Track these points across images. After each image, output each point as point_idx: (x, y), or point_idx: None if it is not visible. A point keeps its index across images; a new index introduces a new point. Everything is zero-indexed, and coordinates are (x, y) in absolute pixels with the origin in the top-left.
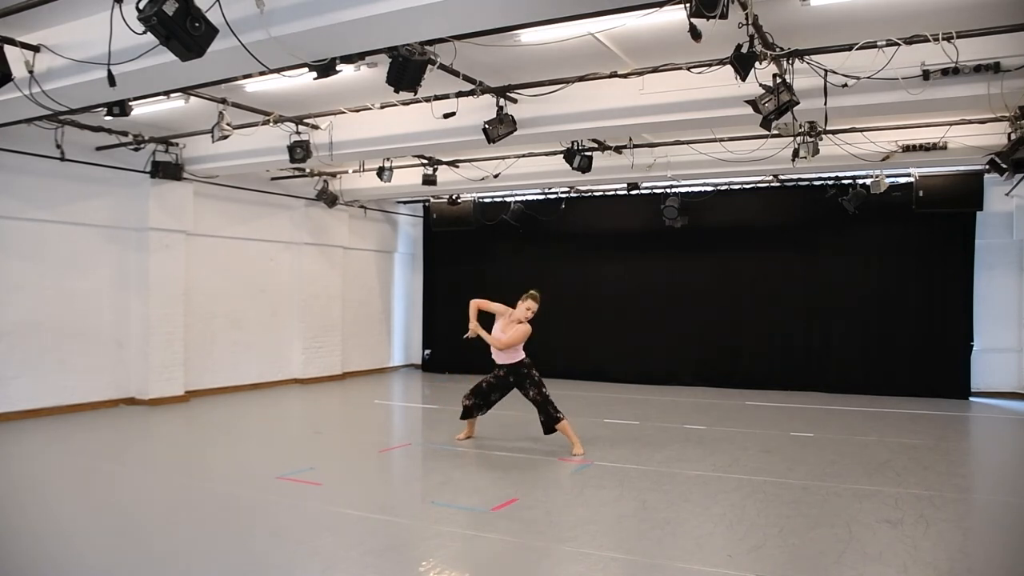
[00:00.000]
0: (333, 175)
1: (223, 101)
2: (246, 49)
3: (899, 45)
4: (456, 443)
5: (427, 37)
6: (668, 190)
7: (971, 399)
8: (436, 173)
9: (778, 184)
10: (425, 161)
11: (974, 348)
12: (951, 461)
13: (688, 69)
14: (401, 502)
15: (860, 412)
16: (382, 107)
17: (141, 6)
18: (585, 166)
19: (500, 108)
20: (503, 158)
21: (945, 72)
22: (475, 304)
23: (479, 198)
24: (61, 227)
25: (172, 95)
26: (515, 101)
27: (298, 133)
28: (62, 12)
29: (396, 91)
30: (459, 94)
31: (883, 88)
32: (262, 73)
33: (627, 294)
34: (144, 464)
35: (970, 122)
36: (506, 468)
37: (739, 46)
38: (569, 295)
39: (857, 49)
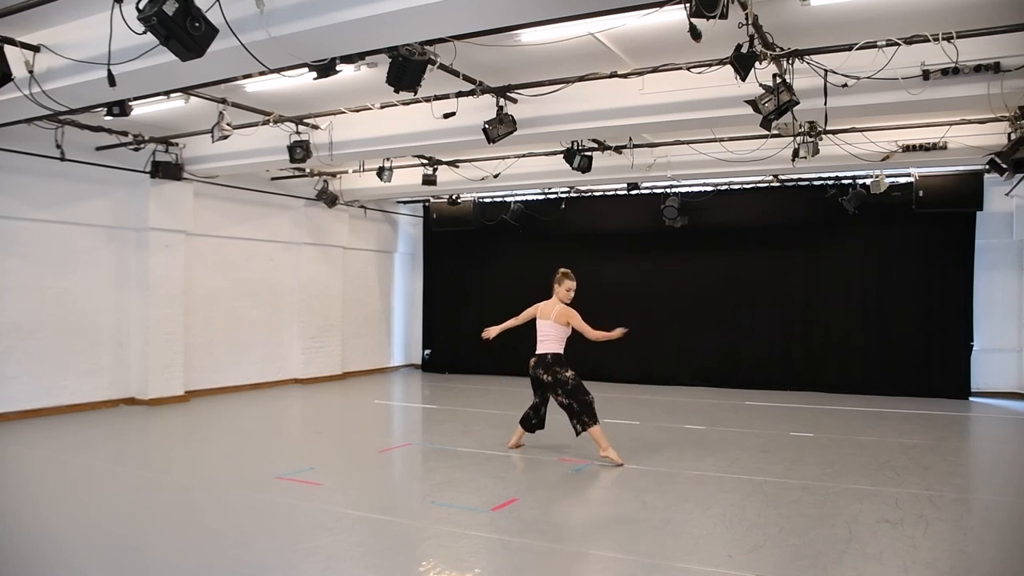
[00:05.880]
0: (333, 175)
1: (223, 101)
2: (246, 49)
3: (899, 45)
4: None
5: (427, 37)
6: (668, 190)
7: (971, 399)
8: (436, 173)
9: (778, 184)
10: (425, 161)
11: (974, 348)
12: (951, 461)
13: (688, 69)
14: (401, 502)
15: (860, 412)
16: (382, 107)
17: (141, 6)
18: (585, 166)
19: (500, 108)
20: (503, 158)
21: (945, 72)
22: (505, 325)
23: (479, 198)
24: (61, 227)
25: (172, 95)
26: (515, 101)
27: (298, 133)
28: (62, 12)
29: (396, 91)
30: (459, 94)
31: (883, 88)
32: (262, 73)
33: (627, 294)
34: (144, 464)
35: (970, 122)
36: (506, 468)
37: (739, 46)
38: None
39: (857, 49)
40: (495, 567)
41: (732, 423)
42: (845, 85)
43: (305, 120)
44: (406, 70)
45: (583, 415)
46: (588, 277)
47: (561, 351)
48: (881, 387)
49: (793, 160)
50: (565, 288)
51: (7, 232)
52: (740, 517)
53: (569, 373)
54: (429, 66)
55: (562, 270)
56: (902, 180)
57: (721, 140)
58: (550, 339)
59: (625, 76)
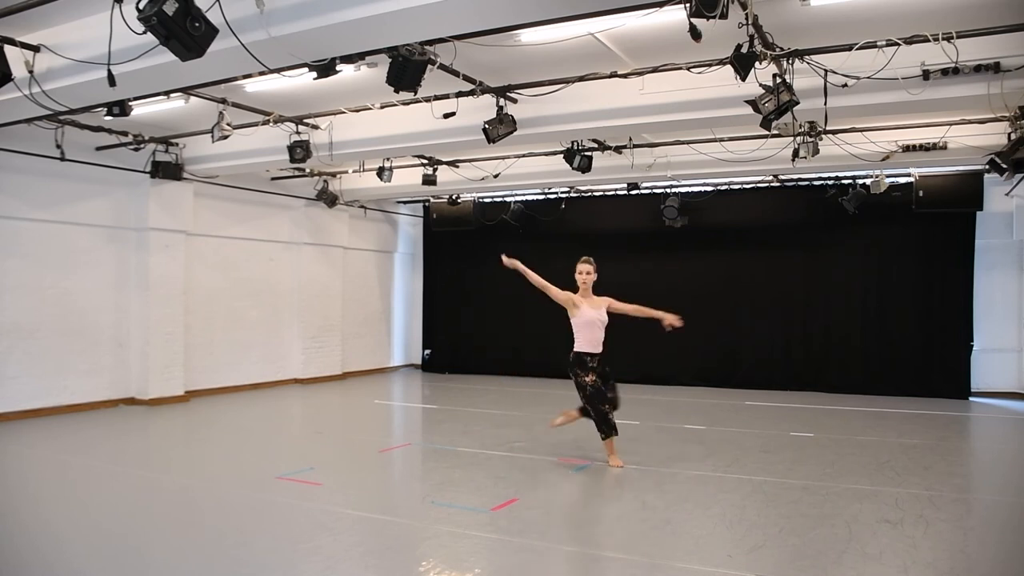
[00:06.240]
0: (333, 175)
1: (223, 101)
2: (246, 49)
3: (899, 45)
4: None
5: (427, 37)
6: (668, 190)
7: (971, 399)
8: (436, 173)
9: (778, 184)
10: (425, 161)
11: (974, 348)
12: (951, 461)
13: (688, 69)
14: (401, 502)
15: (860, 412)
16: (382, 107)
17: (141, 6)
18: (585, 166)
19: (500, 108)
20: (503, 158)
21: (945, 72)
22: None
23: (479, 198)
24: (61, 227)
25: (172, 95)
26: (515, 101)
27: (298, 133)
28: (62, 12)
29: (396, 91)
30: (459, 94)
31: (883, 88)
32: (262, 73)
33: (627, 294)
34: (144, 464)
35: (970, 122)
36: (506, 468)
37: (739, 46)
38: None
39: (857, 49)
40: (495, 567)
41: (732, 423)
42: (845, 85)
43: (305, 120)
44: (406, 70)
45: (600, 424)
46: None
47: (580, 349)
48: (881, 387)
49: (793, 160)
50: (576, 273)
51: (7, 232)
52: (740, 517)
53: (589, 378)
54: (429, 66)
55: (583, 258)
56: (902, 180)
57: (721, 140)
58: (575, 337)
59: (625, 76)
